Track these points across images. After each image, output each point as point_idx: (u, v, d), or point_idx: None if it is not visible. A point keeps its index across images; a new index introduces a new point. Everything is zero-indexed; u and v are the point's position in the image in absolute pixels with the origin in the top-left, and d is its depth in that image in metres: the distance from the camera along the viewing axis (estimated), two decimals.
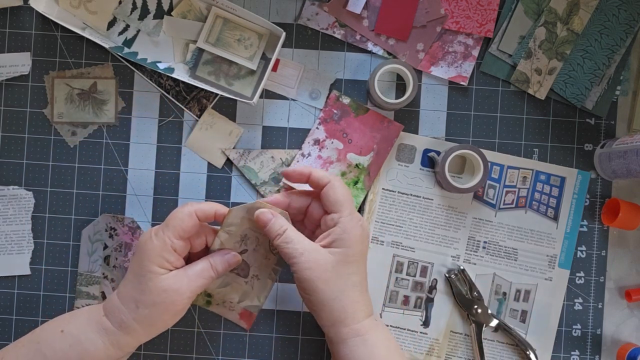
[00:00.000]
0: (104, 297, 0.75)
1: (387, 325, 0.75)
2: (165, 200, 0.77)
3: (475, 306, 0.75)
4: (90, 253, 0.75)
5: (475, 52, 0.76)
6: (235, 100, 0.77)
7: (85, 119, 0.77)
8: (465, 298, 0.75)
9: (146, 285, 0.64)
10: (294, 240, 0.65)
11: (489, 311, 0.75)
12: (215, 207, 0.67)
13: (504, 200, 0.76)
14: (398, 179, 0.76)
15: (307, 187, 0.75)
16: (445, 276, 0.75)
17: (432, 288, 0.76)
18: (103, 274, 0.75)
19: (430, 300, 0.76)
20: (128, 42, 0.76)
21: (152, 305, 0.64)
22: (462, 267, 0.75)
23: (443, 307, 0.76)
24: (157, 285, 0.64)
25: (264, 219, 0.66)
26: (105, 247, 0.75)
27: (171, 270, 0.66)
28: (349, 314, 0.65)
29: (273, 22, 0.75)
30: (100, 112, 0.77)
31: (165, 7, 0.76)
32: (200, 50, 0.76)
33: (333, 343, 0.66)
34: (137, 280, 0.65)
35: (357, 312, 0.65)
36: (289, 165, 0.76)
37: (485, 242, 0.76)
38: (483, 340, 0.74)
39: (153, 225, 0.76)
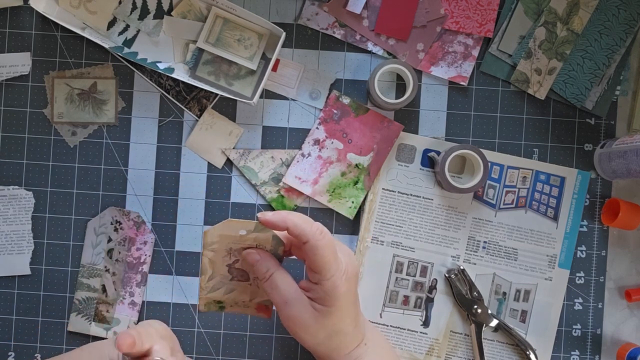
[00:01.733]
0: (103, 290, 0.75)
1: (387, 325, 0.75)
2: (165, 200, 0.77)
3: (475, 306, 0.75)
4: (94, 245, 0.75)
5: (475, 52, 0.76)
6: (235, 100, 0.77)
7: (85, 119, 0.77)
8: (465, 298, 0.75)
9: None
10: (279, 287, 0.62)
11: (489, 311, 0.75)
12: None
13: (504, 200, 0.76)
14: (398, 179, 0.76)
15: (306, 187, 0.75)
16: (445, 276, 0.75)
17: (432, 288, 0.76)
18: (105, 267, 0.75)
19: (430, 300, 0.76)
20: (128, 42, 0.76)
21: None
22: (462, 267, 0.75)
23: (443, 307, 0.76)
24: None
25: (251, 260, 0.63)
26: (110, 240, 0.75)
27: None
28: (335, 352, 0.64)
29: (273, 22, 0.75)
30: (100, 112, 0.77)
31: (165, 7, 0.76)
32: (200, 50, 0.76)
33: None
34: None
35: (346, 348, 0.65)
36: (289, 165, 0.76)
37: (485, 242, 0.76)
38: (483, 340, 0.74)
39: (153, 225, 0.76)
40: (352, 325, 0.64)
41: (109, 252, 0.75)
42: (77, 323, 0.76)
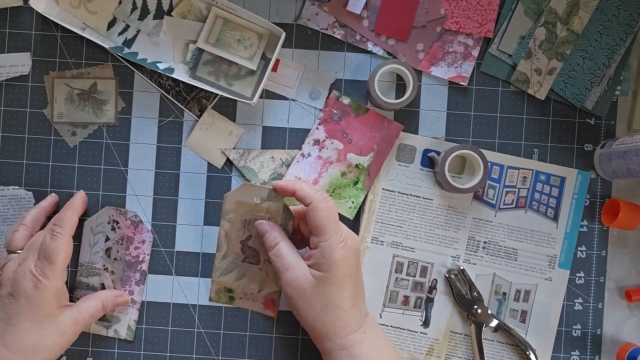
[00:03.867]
0: (103, 288, 0.75)
1: (387, 326, 0.75)
2: (165, 200, 0.77)
3: (475, 306, 0.75)
4: (91, 244, 0.75)
5: (475, 52, 0.76)
6: (235, 100, 0.77)
7: (85, 119, 0.77)
8: (465, 298, 0.75)
9: (47, 329, 0.66)
10: (282, 254, 0.66)
11: (489, 311, 0.75)
12: (74, 208, 0.71)
13: (504, 201, 0.76)
14: (398, 179, 0.76)
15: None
16: (445, 276, 0.75)
17: (432, 288, 0.76)
18: (104, 265, 0.75)
19: (430, 301, 0.76)
20: (128, 42, 0.76)
21: (52, 347, 0.66)
22: (461, 267, 0.75)
23: (443, 307, 0.76)
24: (59, 327, 0.67)
25: (261, 230, 0.69)
26: (107, 239, 0.75)
27: (65, 306, 0.68)
28: (330, 330, 0.65)
29: (273, 22, 0.75)
30: (100, 112, 0.77)
31: (165, 7, 0.76)
32: (200, 51, 0.76)
33: (321, 353, 0.67)
34: (35, 327, 0.66)
35: (342, 329, 0.65)
36: (289, 165, 0.76)
37: (485, 242, 0.76)
38: (483, 341, 0.74)
39: (153, 225, 0.76)
40: (349, 302, 0.65)
41: (107, 251, 0.75)
42: None
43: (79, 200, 0.72)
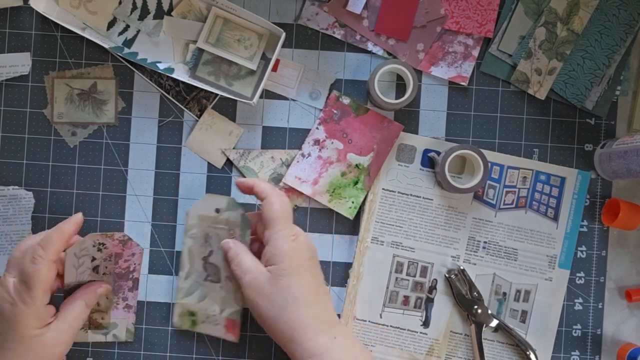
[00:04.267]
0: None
1: (387, 326, 0.75)
2: (165, 200, 0.77)
3: (475, 306, 0.75)
4: (77, 266, 0.69)
5: (475, 52, 0.76)
6: (235, 100, 0.77)
7: (85, 119, 0.77)
8: (465, 298, 0.75)
9: (35, 349, 0.64)
10: (242, 262, 0.67)
11: (489, 311, 0.75)
12: (64, 232, 0.66)
13: (504, 201, 0.76)
14: (398, 179, 0.76)
15: (306, 187, 0.75)
16: (445, 276, 0.75)
17: (432, 288, 0.76)
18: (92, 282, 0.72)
19: (430, 301, 0.76)
20: (128, 42, 0.76)
21: None
22: (462, 267, 0.75)
23: (443, 307, 0.75)
24: (47, 344, 0.64)
25: (226, 247, 0.70)
26: (94, 259, 0.70)
27: (49, 323, 0.65)
28: (296, 329, 0.63)
29: (273, 22, 0.75)
30: (100, 112, 0.77)
31: (165, 7, 0.76)
32: (200, 51, 0.76)
33: None
34: (22, 348, 0.63)
35: (308, 327, 0.64)
36: (289, 165, 0.76)
37: (485, 242, 0.76)
38: (483, 341, 0.74)
39: (153, 225, 0.76)
40: (310, 295, 0.64)
41: (95, 268, 0.71)
42: None
43: (71, 225, 0.66)
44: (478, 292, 0.75)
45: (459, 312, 0.76)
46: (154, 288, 0.76)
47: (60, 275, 0.68)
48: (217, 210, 0.72)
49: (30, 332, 0.63)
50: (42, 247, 0.64)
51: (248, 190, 0.69)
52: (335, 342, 0.64)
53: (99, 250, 0.70)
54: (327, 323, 0.65)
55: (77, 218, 0.67)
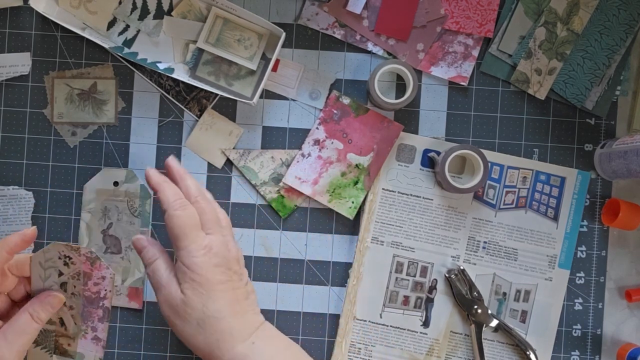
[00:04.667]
0: (62, 323, 0.68)
1: (387, 326, 0.75)
2: None
3: (475, 306, 0.75)
4: (44, 278, 0.65)
5: (475, 52, 0.76)
6: (235, 100, 0.77)
7: (85, 119, 0.77)
8: (465, 298, 0.75)
9: None
10: (158, 272, 0.63)
11: (489, 311, 0.75)
12: (6, 243, 0.61)
13: (504, 201, 0.76)
14: (398, 179, 0.76)
15: (306, 187, 0.75)
16: (445, 276, 0.75)
17: (432, 288, 0.76)
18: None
19: (430, 301, 0.76)
20: (128, 42, 0.76)
21: None
22: (461, 267, 0.75)
23: (443, 307, 0.75)
24: None
25: (139, 246, 0.65)
26: (61, 274, 0.66)
27: None
28: (214, 345, 0.61)
29: (273, 22, 0.75)
30: (100, 112, 0.77)
31: (165, 7, 0.76)
32: (200, 51, 0.76)
33: None
34: None
35: (225, 341, 0.61)
36: (289, 165, 0.76)
37: (485, 242, 0.76)
38: (483, 341, 0.74)
39: (153, 225, 0.76)
40: (227, 310, 0.61)
41: (62, 285, 0.66)
42: (37, 355, 0.68)
43: (16, 237, 0.61)
44: (478, 292, 0.75)
45: (459, 312, 0.76)
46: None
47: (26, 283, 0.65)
48: (116, 184, 0.73)
49: None
50: None
51: (153, 189, 0.64)
52: (254, 347, 0.62)
53: (66, 264, 0.65)
54: (246, 330, 0.63)
55: (26, 233, 0.62)
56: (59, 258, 0.65)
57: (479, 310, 0.75)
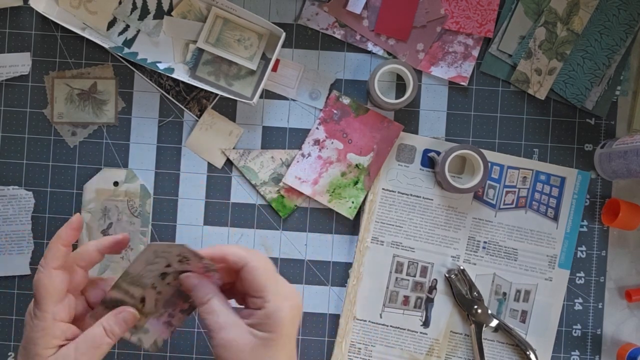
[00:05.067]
0: (142, 301, 0.64)
1: (387, 326, 0.75)
2: (165, 200, 0.77)
3: (475, 306, 0.75)
4: (149, 262, 0.62)
5: (475, 52, 0.76)
6: (235, 100, 0.77)
7: (85, 119, 0.77)
8: (465, 298, 0.75)
9: None
10: (215, 311, 0.58)
11: (489, 311, 0.75)
12: (60, 237, 0.60)
13: (504, 201, 0.76)
14: (398, 179, 0.76)
15: (306, 187, 0.75)
16: (445, 276, 0.75)
17: (432, 288, 0.76)
18: (153, 283, 0.63)
19: (430, 301, 0.76)
20: (128, 42, 0.76)
21: None
22: (462, 267, 0.75)
23: (443, 307, 0.75)
24: None
25: (188, 285, 0.61)
26: (168, 266, 0.62)
27: (61, 346, 0.58)
28: None
29: (273, 22, 0.75)
30: (100, 112, 0.77)
31: (165, 7, 0.76)
32: (200, 51, 0.76)
33: None
34: None
35: None
36: (289, 165, 0.76)
37: (485, 242, 0.76)
38: (483, 341, 0.74)
39: (153, 225, 0.76)
40: None
41: (163, 275, 0.63)
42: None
43: (67, 230, 0.60)
44: (478, 292, 0.75)
45: (459, 312, 0.76)
46: None
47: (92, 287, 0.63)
48: (116, 184, 0.74)
49: (40, 351, 0.58)
50: (44, 257, 0.60)
51: (220, 261, 0.60)
52: None
53: (180, 262, 0.62)
54: None
55: (74, 221, 0.61)
56: (177, 255, 0.61)
57: (479, 310, 0.75)
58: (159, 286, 0.63)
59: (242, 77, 0.76)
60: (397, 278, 0.75)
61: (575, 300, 0.76)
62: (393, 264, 0.76)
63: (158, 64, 0.75)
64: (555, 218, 0.76)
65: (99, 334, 0.59)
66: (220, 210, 0.77)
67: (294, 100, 0.77)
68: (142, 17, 0.76)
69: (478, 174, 0.73)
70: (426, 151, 0.76)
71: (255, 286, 0.58)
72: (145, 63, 0.75)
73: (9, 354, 0.76)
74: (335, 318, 0.76)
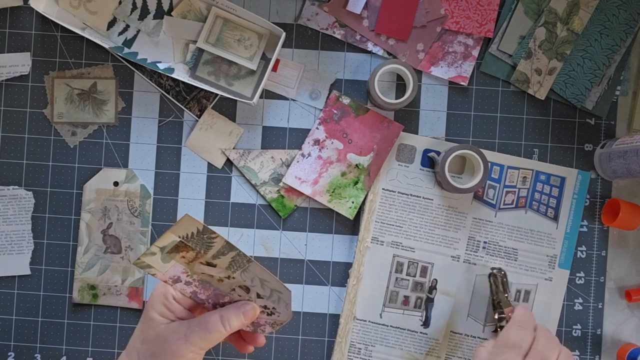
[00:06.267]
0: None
1: (387, 326, 0.75)
2: (165, 200, 0.77)
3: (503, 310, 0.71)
4: (236, 269, 0.62)
5: (475, 52, 0.76)
6: (235, 100, 0.77)
7: (85, 119, 0.77)
8: (506, 301, 0.71)
9: (146, 333, 0.61)
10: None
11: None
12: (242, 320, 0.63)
13: (504, 201, 0.76)
14: (398, 179, 0.76)
15: (306, 187, 0.75)
16: (492, 272, 0.72)
17: (432, 288, 0.76)
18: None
19: (430, 301, 0.76)
20: (128, 42, 0.76)
21: (151, 357, 0.60)
22: (503, 271, 0.73)
23: (443, 307, 0.76)
24: (156, 334, 0.61)
25: (252, 315, 0.63)
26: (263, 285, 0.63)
27: (173, 321, 0.62)
28: None
29: (273, 22, 0.75)
30: (100, 112, 0.77)
31: (165, 7, 0.76)
32: (200, 50, 0.76)
33: None
34: (139, 329, 0.63)
35: None
36: (289, 165, 0.76)
37: (485, 242, 0.76)
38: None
39: (153, 225, 0.76)
40: None
41: (244, 286, 0.63)
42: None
43: (246, 318, 0.63)
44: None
45: (459, 312, 0.76)
46: (153, 287, 0.76)
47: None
48: (116, 184, 0.74)
49: (152, 314, 0.62)
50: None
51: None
52: None
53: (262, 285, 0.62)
54: None
55: (251, 312, 0.63)
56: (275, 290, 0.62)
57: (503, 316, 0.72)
58: (268, 299, 0.63)
59: (242, 77, 0.76)
60: (397, 278, 0.75)
61: (575, 300, 0.76)
62: (393, 264, 0.76)
63: (158, 64, 0.75)
64: (555, 218, 0.76)
65: (215, 320, 0.61)
66: (220, 210, 0.77)
67: (294, 100, 0.77)
68: (142, 17, 0.76)
69: (478, 174, 0.73)
70: (426, 151, 0.76)
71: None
72: (145, 63, 0.75)
73: (9, 353, 0.76)
74: (335, 318, 0.76)
